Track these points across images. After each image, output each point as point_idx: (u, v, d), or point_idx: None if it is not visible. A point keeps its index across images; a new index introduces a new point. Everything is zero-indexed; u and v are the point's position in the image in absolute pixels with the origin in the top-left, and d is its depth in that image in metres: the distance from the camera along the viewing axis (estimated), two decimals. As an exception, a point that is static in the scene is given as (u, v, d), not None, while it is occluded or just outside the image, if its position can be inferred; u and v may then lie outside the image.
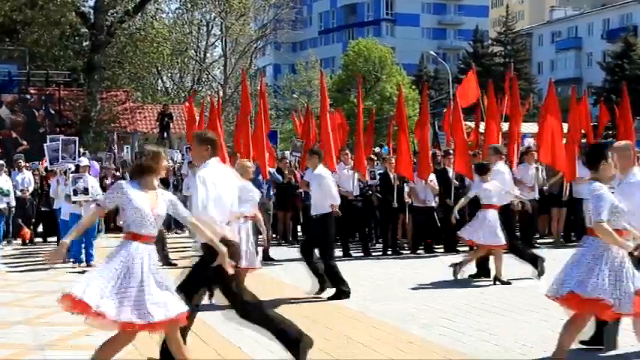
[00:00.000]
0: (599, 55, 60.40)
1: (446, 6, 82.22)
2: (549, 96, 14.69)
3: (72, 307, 5.06)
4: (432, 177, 13.72)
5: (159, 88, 43.56)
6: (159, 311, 5.09)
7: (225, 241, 5.59)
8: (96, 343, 6.88)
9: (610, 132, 19.85)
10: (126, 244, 5.25)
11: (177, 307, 5.20)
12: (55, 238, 15.13)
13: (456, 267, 10.32)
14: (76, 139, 14.36)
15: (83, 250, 12.53)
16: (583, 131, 15.01)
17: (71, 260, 12.47)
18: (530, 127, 19.51)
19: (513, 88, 15.39)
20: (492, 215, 10.05)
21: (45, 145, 13.76)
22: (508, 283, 9.88)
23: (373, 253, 13.50)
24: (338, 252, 13.40)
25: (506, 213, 10.49)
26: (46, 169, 16.55)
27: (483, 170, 10.34)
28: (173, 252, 13.30)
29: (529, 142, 16.44)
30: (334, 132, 13.89)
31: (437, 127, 20.27)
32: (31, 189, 16.47)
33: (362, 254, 13.34)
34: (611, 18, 65.05)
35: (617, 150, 6.12)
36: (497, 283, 9.92)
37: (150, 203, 5.27)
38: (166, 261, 12.22)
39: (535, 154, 14.15)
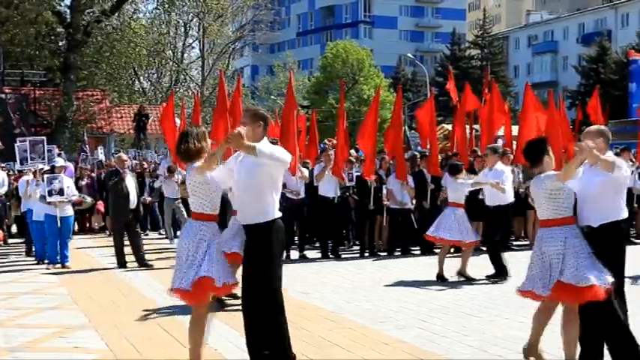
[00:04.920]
0: (574, 59, 61.01)
1: (424, 9, 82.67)
2: (527, 98, 14.84)
3: None
4: (409, 179, 13.76)
5: (136, 88, 43.32)
6: None
7: None
8: (69, 345, 6.86)
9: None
10: None
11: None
12: (22, 240, 15.03)
13: (461, 275, 10.43)
14: (44, 138, 14.20)
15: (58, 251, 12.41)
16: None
17: (46, 262, 12.38)
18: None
19: (493, 91, 15.48)
20: (462, 212, 10.51)
21: (16, 145, 13.57)
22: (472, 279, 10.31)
23: (350, 255, 13.53)
24: (316, 253, 13.48)
25: (504, 212, 10.59)
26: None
27: (456, 170, 10.68)
28: (149, 253, 13.25)
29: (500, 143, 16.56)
30: (302, 133, 13.90)
31: (407, 127, 20.39)
32: (3, 190, 16.24)
33: (338, 255, 13.33)
34: (587, 22, 65.73)
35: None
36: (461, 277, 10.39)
37: None
38: (142, 262, 12.17)
39: (510, 156, 14.25)
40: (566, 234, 5.60)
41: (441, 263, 10.48)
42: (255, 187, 5.60)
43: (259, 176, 5.57)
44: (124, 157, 13.17)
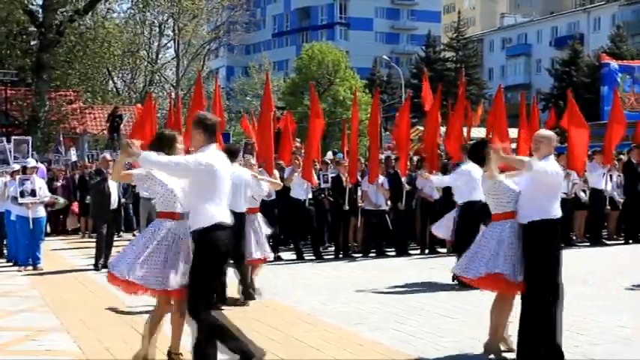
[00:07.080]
0: (547, 62, 61.69)
1: (399, 11, 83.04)
2: (498, 101, 14.95)
3: None
4: (384, 180, 13.79)
5: (109, 88, 42.90)
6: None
7: None
8: (41, 347, 6.78)
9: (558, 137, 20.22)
10: None
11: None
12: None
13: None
14: (29, 138, 14.14)
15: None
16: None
17: (17, 264, 12.23)
18: (480, 132, 19.73)
19: (460, 94, 15.56)
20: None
21: None
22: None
23: (325, 256, 13.53)
24: (291, 255, 13.47)
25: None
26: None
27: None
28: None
29: None
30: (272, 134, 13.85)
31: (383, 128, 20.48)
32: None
33: (314, 257, 13.33)
34: (560, 26, 66.54)
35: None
36: None
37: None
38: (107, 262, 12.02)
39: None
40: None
41: None
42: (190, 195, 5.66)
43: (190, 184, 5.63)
44: (109, 157, 13.10)
